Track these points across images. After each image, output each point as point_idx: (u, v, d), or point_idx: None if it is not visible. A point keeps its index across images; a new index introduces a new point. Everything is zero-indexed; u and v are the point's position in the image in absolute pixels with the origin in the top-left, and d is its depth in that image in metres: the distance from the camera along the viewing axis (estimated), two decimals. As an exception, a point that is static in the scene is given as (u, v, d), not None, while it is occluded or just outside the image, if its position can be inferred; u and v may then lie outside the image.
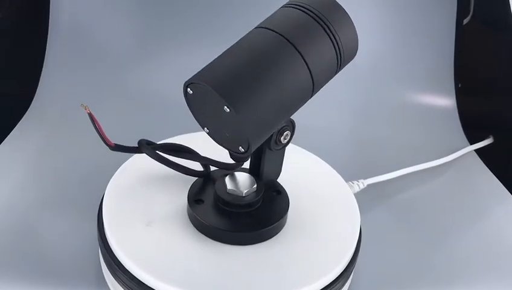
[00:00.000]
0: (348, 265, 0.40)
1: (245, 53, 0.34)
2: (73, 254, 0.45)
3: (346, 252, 0.40)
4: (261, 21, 0.37)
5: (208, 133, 0.37)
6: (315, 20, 0.34)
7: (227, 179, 0.40)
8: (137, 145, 0.40)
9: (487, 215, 0.57)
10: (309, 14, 0.35)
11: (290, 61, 0.34)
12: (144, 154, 0.40)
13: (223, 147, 0.37)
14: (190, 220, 0.40)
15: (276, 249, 0.39)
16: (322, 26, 0.34)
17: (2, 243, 0.46)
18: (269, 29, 0.35)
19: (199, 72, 0.35)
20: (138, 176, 0.44)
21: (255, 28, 0.36)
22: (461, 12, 0.72)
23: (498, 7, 0.65)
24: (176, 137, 0.48)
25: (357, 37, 0.35)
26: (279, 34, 0.34)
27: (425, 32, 0.73)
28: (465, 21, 0.72)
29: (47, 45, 0.68)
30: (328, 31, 0.34)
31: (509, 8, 0.63)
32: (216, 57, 0.36)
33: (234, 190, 0.40)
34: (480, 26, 0.72)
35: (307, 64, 0.34)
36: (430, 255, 0.50)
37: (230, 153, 0.39)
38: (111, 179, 0.44)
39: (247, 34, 0.36)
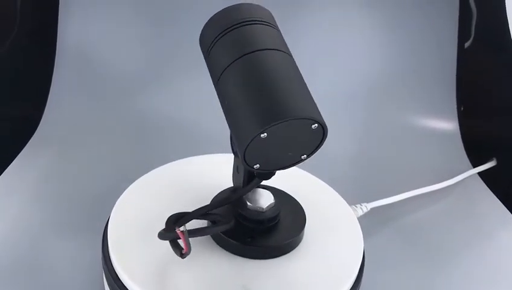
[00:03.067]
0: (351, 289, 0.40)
1: (280, 74, 0.37)
2: (77, 277, 0.46)
3: (349, 277, 0.40)
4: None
5: (257, 169, 0.37)
6: (271, 27, 0.40)
7: (251, 206, 0.40)
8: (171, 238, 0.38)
9: (490, 238, 0.57)
10: (268, 26, 0.40)
11: (291, 61, 0.38)
12: (151, 178, 0.45)
13: (274, 171, 0.38)
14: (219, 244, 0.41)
15: (277, 273, 0.39)
16: (272, 27, 0.40)
17: (7, 265, 0.46)
18: (269, 49, 0.38)
19: (260, 114, 0.35)
20: (143, 200, 0.45)
21: (252, 52, 0.37)
22: (462, 35, 0.73)
23: (499, 30, 0.66)
24: (188, 158, 0.50)
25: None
26: (278, 50, 0.38)
27: (427, 55, 0.73)
28: (467, 44, 0.73)
29: (54, 68, 0.69)
30: (274, 27, 0.40)
31: (510, 30, 0.64)
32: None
33: (270, 204, 0.41)
34: (482, 49, 0.72)
35: (289, 55, 0.39)
36: (434, 279, 0.50)
37: (259, 173, 0.39)
38: (116, 203, 0.44)
39: (256, 60, 0.37)
